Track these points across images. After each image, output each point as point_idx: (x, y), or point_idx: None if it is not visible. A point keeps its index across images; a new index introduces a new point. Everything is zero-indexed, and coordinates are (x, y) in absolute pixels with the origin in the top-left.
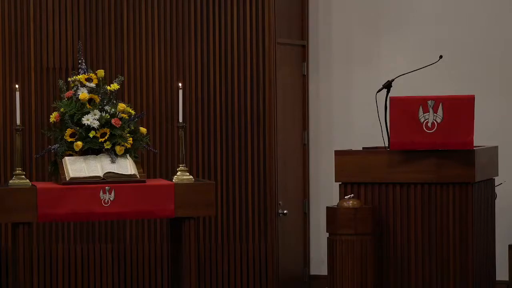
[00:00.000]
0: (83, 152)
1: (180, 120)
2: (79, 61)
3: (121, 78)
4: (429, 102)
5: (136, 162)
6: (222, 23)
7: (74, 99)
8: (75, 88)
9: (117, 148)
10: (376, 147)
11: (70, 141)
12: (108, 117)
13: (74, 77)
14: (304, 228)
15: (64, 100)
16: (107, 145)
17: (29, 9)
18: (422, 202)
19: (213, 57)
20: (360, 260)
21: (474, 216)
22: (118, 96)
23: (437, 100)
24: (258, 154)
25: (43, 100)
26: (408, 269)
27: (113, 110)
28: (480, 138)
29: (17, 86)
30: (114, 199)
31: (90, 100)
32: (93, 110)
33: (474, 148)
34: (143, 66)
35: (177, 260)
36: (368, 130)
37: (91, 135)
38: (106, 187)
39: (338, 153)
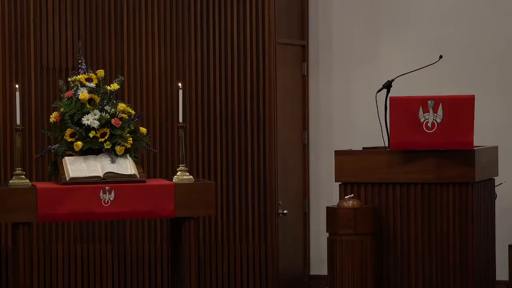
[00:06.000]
0: (83, 152)
1: (180, 120)
2: (79, 61)
3: (121, 78)
4: (429, 102)
5: (136, 162)
6: (222, 23)
7: (74, 99)
8: (75, 88)
9: (117, 148)
10: (376, 147)
11: (70, 141)
12: (108, 117)
13: (74, 77)
14: (304, 228)
15: (64, 100)
16: (107, 145)
17: (29, 9)
18: (422, 202)
19: (213, 57)
20: (360, 260)
21: (474, 216)
22: (118, 96)
23: (437, 100)
24: (258, 154)
25: (43, 100)
26: (408, 269)
27: (113, 110)
28: (480, 138)
29: (17, 86)
30: (114, 199)
31: (90, 100)
32: (93, 110)
33: (474, 148)
34: (143, 66)
35: (177, 260)
36: (368, 130)
37: (91, 135)
38: (106, 187)
39: (338, 153)
